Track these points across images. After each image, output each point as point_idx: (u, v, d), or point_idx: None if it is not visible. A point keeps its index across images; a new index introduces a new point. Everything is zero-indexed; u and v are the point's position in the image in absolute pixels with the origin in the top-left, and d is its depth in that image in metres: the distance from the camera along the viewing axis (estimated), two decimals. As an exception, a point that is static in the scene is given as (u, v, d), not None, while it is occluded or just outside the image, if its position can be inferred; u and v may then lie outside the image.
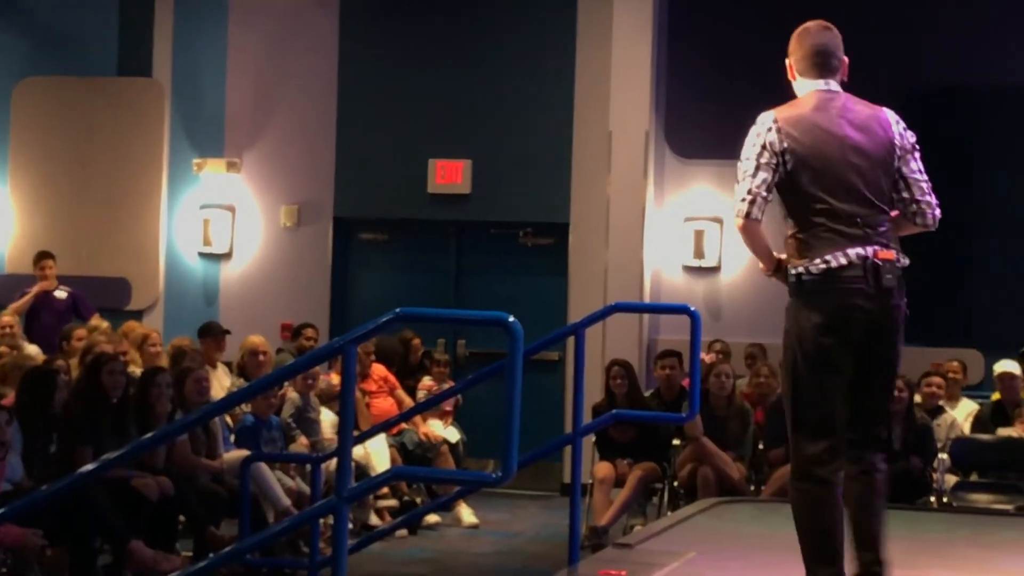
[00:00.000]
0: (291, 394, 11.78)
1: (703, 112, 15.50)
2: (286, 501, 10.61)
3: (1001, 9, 14.82)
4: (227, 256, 16.36)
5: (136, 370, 11.34)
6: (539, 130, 15.66)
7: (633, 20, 15.35)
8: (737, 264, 15.43)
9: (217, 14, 16.37)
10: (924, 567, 7.95)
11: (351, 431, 6.07)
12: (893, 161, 6.17)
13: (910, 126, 16.40)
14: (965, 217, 15.05)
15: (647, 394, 12.86)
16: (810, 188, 5.99)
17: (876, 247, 5.96)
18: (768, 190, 5.99)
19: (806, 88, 6.36)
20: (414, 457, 12.79)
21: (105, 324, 13.22)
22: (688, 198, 15.64)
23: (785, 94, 16.05)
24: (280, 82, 16.29)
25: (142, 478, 9.66)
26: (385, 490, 12.30)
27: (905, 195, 6.17)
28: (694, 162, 15.62)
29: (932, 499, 11.78)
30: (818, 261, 5.92)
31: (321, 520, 8.41)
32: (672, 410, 12.11)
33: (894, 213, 6.14)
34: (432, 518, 12.36)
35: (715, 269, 15.54)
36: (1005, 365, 12.60)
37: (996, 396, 12.62)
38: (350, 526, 8.36)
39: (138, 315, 15.60)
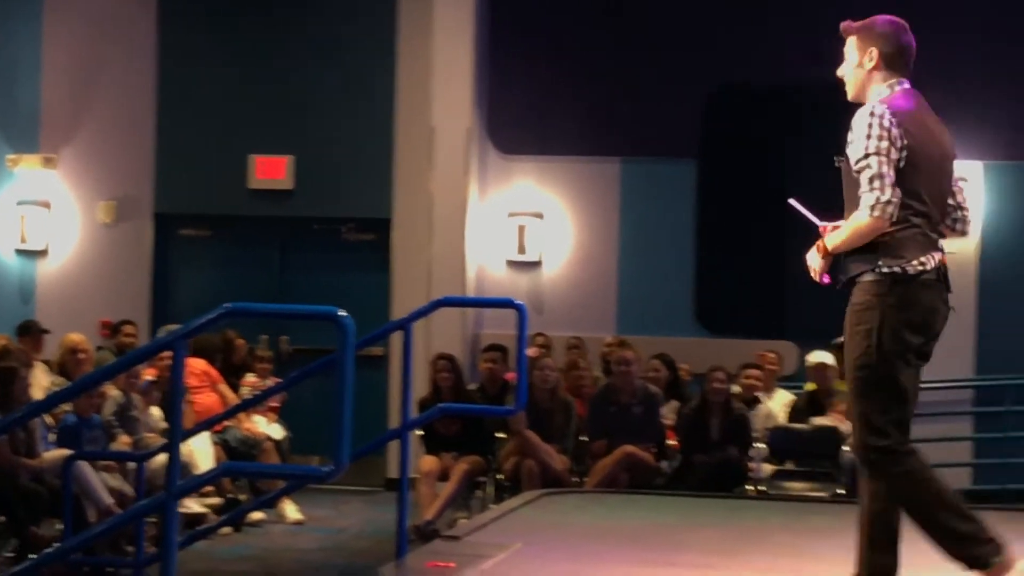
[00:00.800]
0: (112, 392, 11.62)
1: (526, 109, 15.64)
2: (109, 500, 10.47)
3: (814, 11, 15.09)
4: (43, 253, 16.14)
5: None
6: (361, 126, 15.70)
7: (454, 18, 15.43)
8: (558, 259, 15.65)
9: (30, 11, 16.15)
10: (742, 554, 8.10)
11: (180, 427, 6.03)
12: (954, 170, 6.21)
13: (719, 122, 16.69)
14: (775, 211, 15.25)
15: (472, 388, 12.91)
16: (915, 187, 5.94)
17: (942, 252, 6.02)
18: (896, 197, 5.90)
19: (890, 82, 6.16)
20: (238, 454, 12.68)
21: None
22: (511, 194, 15.74)
23: (608, 93, 16.16)
24: (97, 78, 16.10)
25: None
26: (209, 488, 12.25)
27: (952, 203, 6.19)
28: (517, 158, 15.72)
29: (749, 487, 11.97)
30: (916, 263, 5.90)
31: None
32: (496, 403, 12.24)
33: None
34: (256, 515, 12.28)
35: (537, 264, 15.65)
36: (819, 356, 12.78)
37: (810, 386, 12.83)
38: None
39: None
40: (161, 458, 9.29)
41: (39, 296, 15.98)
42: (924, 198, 5.96)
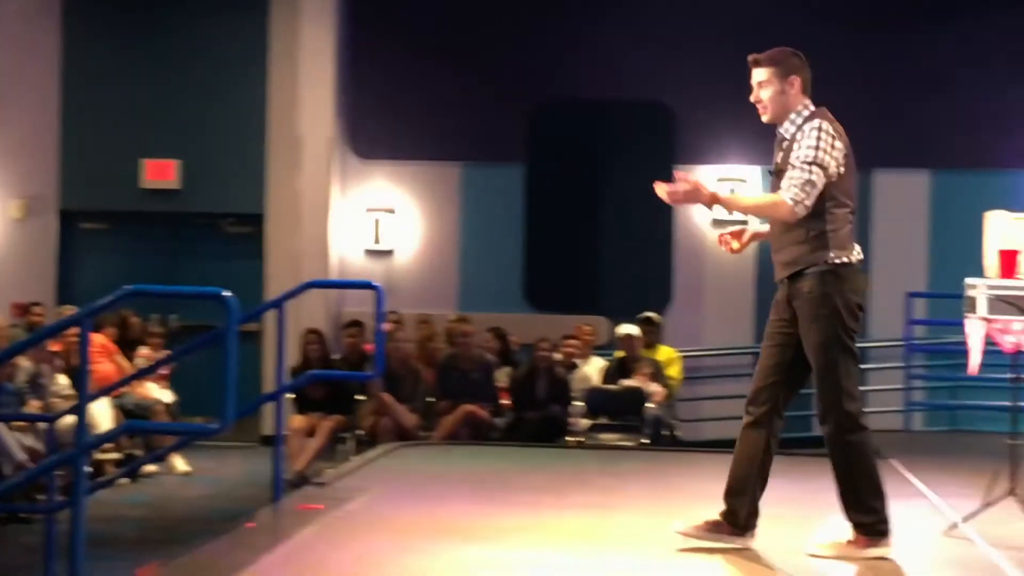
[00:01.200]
0: (24, 363, 11.51)
1: (380, 120, 15.58)
2: (22, 456, 10.40)
3: (614, 32, 15.23)
4: (-39, 245, 15.87)
5: None
6: (238, 134, 15.54)
7: (317, 41, 15.36)
8: (408, 248, 15.66)
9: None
10: (565, 493, 8.27)
11: (88, 390, 6.07)
12: None
13: (543, 132, 16.76)
14: (591, 208, 15.53)
15: (336, 357, 12.91)
16: (849, 189, 6.01)
17: None
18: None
19: (805, 102, 6.15)
20: (134, 416, 12.49)
21: None
22: (368, 192, 15.70)
23: (451, 106, 16.13)
24: (7, 90, 15.70)
25: None
26: (109, 444, 12.19)
27: None
28: (372, 162, 15.68)
29: (570, 438, 12.00)
30: (855, 253, 6.03)
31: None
32: (357, 371, 12.23)
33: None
34: (150, 468, 12.18)
35: (390, 252, 15.62)
36: (626, 328, 12.87)
37: (619, 354, 12.85)
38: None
39: None
40: (68, 419, 9.23)
41: None
42: (853, 197, 6.05)
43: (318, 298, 14.52)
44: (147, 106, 15.66)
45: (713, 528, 6.39)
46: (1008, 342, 6.85)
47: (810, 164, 5.85)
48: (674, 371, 13.19)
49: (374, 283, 8.41)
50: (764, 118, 6.24)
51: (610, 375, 12.70)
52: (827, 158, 5.88)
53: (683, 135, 15.13)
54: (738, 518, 6.36)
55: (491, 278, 15.53)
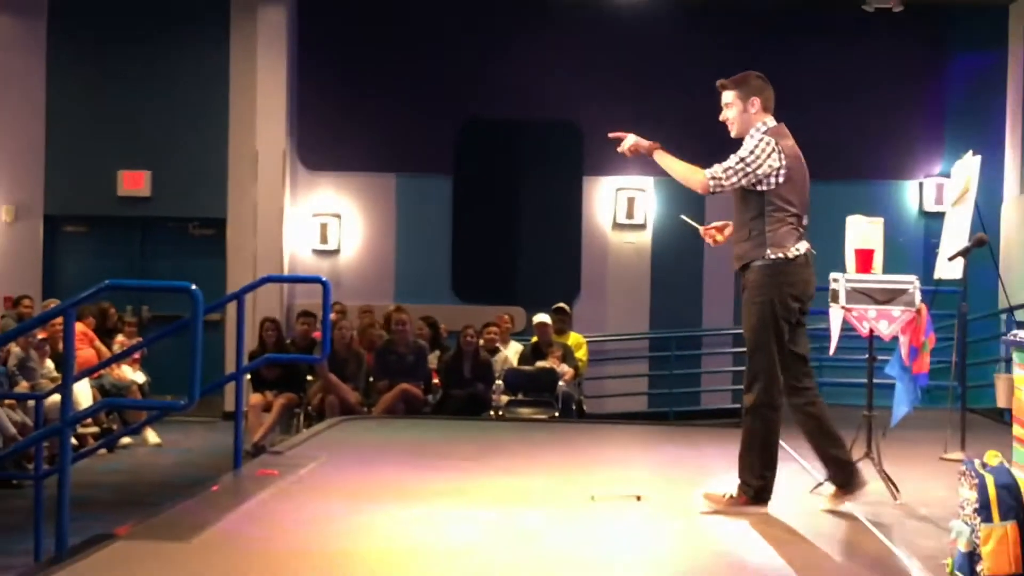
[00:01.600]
0: (14, 349, 11.40)
1: (325, 138, 15.57)
2: (12, 430, 10.32)
3: (530, 60, 15.30)
4: (-44, 245, 15.68)
5: None
6: (203, 148, 15.44)
7: (271, 68, 15.31)
8: (351, 248, 15.65)
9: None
10: (488, 459, 8.32)
11: (72, 372, 6.05)
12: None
13: (467, 146, 16.73)
14: (512, 213, 15.58)
15: (288, 343, 12.84)
16: (789, 196, 6.06)
17: (808, 242, 6.17)
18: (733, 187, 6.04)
19: (765, 120, 6.21)
20: (111, 395, 12.47)
21: None
22: (315, 199, 15.66)
23: (387, 125, 16.05)
24: (-2, 110, 15.66)
25: None
26: (89, 420, 12.09)
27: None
28: (319, 173, 15.65)
29: (492, 412, 12.01)
30: (794, 250, 6.03)
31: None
32: (307, 354, 12.23)
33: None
34: (125, 440, 12.12)
35: (336, 251, 15.61)
36: (540, 317, 12.89)
37: (534, 339, 12.85)
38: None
39: None
40: (54, 397, 9.14)
41: None
42: (795, 204, 6.08)
43: (273, 291, 14.53)
44: (122, 124, 15.52)
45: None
46: (864, 327, 6.97)
47: (740, 159, 6.02)
48: (581, 354, 13.24)
49: (322, 278, 8.37)
50: (732, 134, 6.31)
51: (526, 357, 12.72)
52: (758, 161, 6.01)
53: (589, 150, 15.18)
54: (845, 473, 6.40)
55: (423, 274, 15.55)
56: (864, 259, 7.11)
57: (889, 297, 6.78)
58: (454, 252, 15.59)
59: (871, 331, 6.95)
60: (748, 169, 6.03)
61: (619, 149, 6.41)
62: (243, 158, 15.40)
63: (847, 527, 6.13)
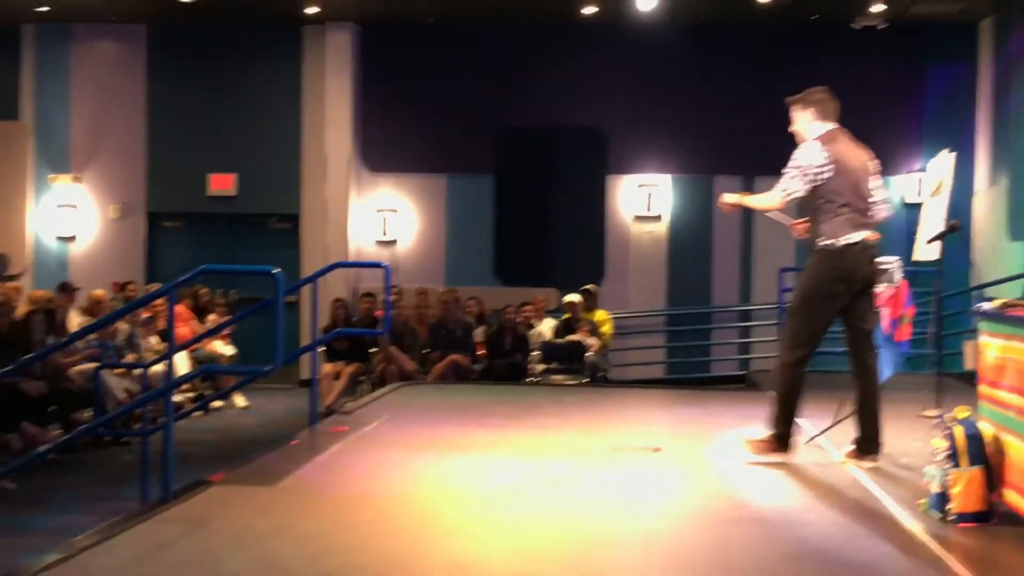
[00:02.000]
0: (122, 326, 11.51)
1: (385, 143, 15.55)
2: (121, 395, 10.45)
3: (560, 74, 15.31)
4: (73, 239, 15.79)
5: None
6: (280, 154, 15.49)
7: (338, 82, 15.31)
8: (408, 238, 15.62)
9: (62, 75, 15.71)
10: (526, 418, 8.36)
11: (174, 344, 6.13)
12: (870, 177, 6.26)
13: (508, 158, 16.66)
14: (546, 207, 15.58)
15: (354, 320, 12.94)
16: (838, 189, 5.99)
17: (869, 231, 6.08)
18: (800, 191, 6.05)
19: (823, 126, 6.22)
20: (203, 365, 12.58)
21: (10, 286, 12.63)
22: (377, 197, 15.64)
23: (437, 131, 15.96)
24: (107, 121, 15.69)
25: (27, 382, 9.45)
26: (187, 386, 12.22)
27: (871, 199, 6.19)
28: (380, 174, 15.63)
29: (529, 379, 12.11)
30: (844, 239, 5.96)
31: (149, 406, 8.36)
32: (370, 329, 12.33)
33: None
34: (217, 404, 12.18)
35: (394, 242, 15.59)
36: (571, 296, 12.95)
37: (566, 316, 12.88)
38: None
39: (12, 278, 14.86)
40: (158, 367, 9.29)
41: (71, 266, 15.56)
42: (844, 194, 5.98)
43: (341, 276, 14.54)
44: (211, 133, 15.62)
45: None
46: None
47: (790, 168, 6.07)
48: (607, 328, 13.26)
49: (383, 264, 8.40)
50: (799, 140, 6.28)
51: (559, 332, 12.75)
52: (805, 164, 6.02)
53: (612, 152, 15.16)
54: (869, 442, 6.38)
55: (469, 260, 15.52)
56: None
57: (873, 275, 6.77)
58: (496, 241, 15.55)
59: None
60: (799, 173, 6.03)
61: (724, 210, 6.55)
62: (314, 162, 15.45)
63: (838, 474, 6.13)
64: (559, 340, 12.53)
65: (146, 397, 7.89)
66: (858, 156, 6.22)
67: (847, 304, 6.10)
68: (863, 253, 6.07)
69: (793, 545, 4.61)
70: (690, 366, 15.08)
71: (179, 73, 15.74)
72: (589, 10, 14.55)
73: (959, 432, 5.07)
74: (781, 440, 6.23)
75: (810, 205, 6.14)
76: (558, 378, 12.06)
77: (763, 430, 6.32)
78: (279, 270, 5.99)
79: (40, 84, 15.78)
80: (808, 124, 6.24)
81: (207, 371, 8.58)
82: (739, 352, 15.21)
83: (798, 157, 6.10)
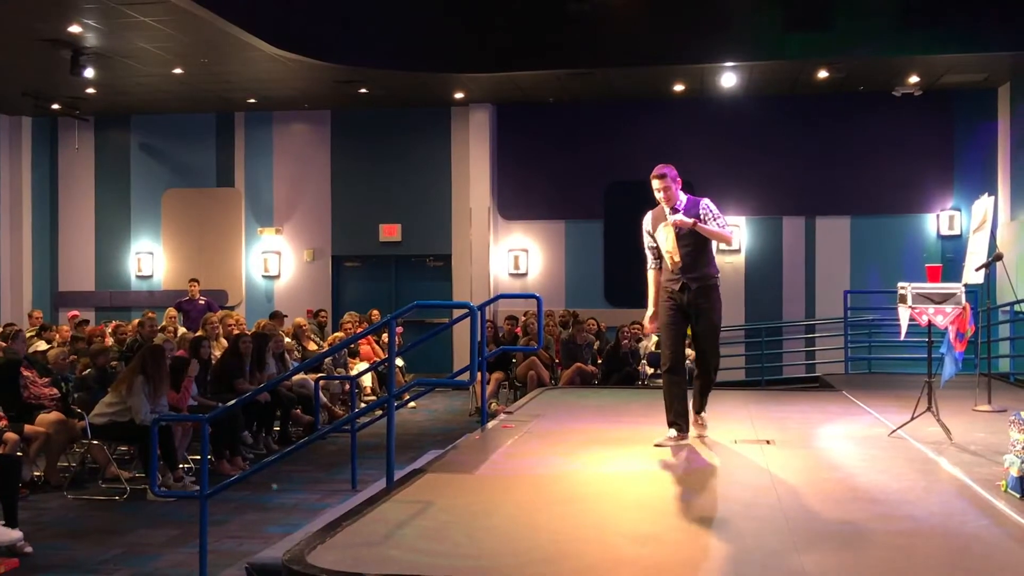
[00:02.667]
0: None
1: (516, 196, 15.66)
2: (324, 400, 10.55)
3: (655, 135, 15.28)
4: (277, 277, 16.12)
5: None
6: (435, 207, 15.65)
7: (479, 147, 15.43)
8: (535, 271, 15.67)
9: (266, 151, 16.11)
10: (653, 415, 8.00)
11: (394, 360, 6.05)
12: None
13: (613, 206, 16.51)
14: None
15: (501, 336, 12.91)
16: None
17: None
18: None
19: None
20: (382, 376, 12.44)
21: (236, 315, 12.91)
22: (510, 239, 15.71)
23: (557, 185, 15.92)
24: (300, 185, 16.04)
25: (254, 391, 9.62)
26: (369, 393, 12.37)
27: None
28: (512, 221, 15.71)
29: (640, 382, 11.98)
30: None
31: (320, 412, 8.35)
32: (511, 345, 12.23)
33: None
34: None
35: (525, 274, 15.67)
36: None
37: None
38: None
39: (232, 308, 15.36)
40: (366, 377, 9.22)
41: (276, 299, 15.93)
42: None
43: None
44: (381, 192, 15.81)
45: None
46: (923, 320, 6.86)
47: (724, 219, 6.24)
48: (699, 341, 13.15)
49: (537, 295, 8.23)
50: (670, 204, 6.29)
51: (660, 345, 12.62)
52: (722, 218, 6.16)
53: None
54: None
55: (585, 287, 15.51)
56: (933, 273, 7.00)
57: (944, 298, 6.65)
58: (605, 272, 15.52)
59: (929, 322, 6.83)
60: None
61: (672, 223, 6.34)
62: (461, 212, 15.59)
63: (923, 459, 6.01)
64: (660, 350, 12.36)
65: (380, 401, 7.68)
66: None
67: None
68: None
69: (906, 522, 4.51)
70: (766, 370, 14.85)
71: (356, 146, 16.01)
72: (679, 87, 14.53)
73: (1034, 427, 4.96)
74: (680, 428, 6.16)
75: (705, 246, 6.12)
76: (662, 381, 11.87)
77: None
78: (476, 305, 5.99)
79: (249, 158, 16.20)
80: (677, 191, 6.31)
81: (422, 383, 8.46)
82: (805, 358, 14.94)
83: (717, 211, 6.18)
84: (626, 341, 12.29)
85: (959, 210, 14.62)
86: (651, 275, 6.44)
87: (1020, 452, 4.98)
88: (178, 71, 13.14)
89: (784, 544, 4.10)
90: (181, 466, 8.10)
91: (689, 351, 6.85)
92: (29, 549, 6.07)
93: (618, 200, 15.48)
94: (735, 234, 6.32)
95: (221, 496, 6.51)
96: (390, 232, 15.77)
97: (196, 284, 14.36)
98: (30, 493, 7.73)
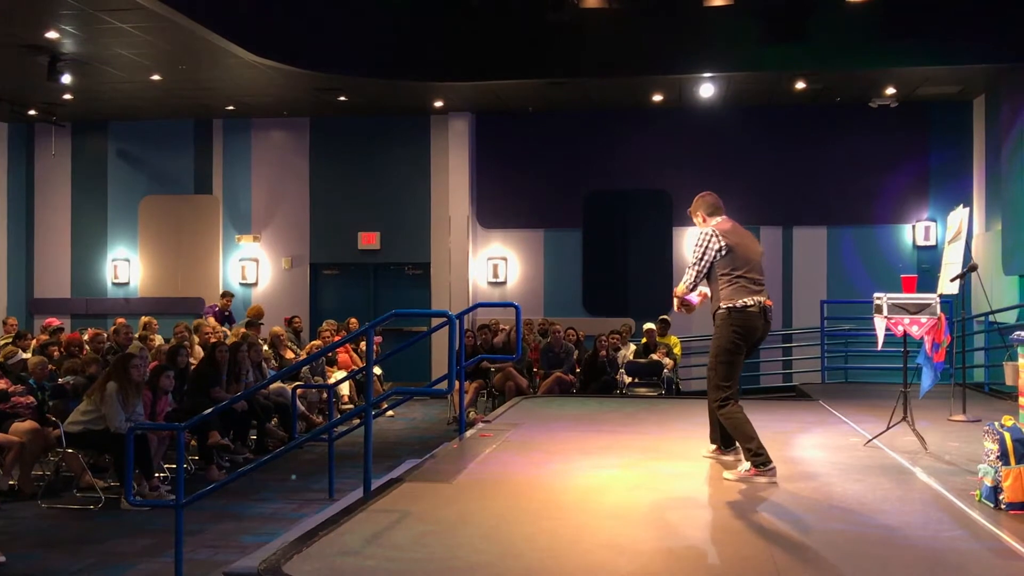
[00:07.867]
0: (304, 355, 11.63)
1: (495, 205, 15.68)
2: (300, 409, 10.48)
3: (634, 146, 15.36)
4: (255, 284, 16.05)
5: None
6: (414, 215, 15.62)
7: (458, 157, 15.42)
8: (513, 280, 15.68)
9: (244, 158, 16.04)
10: (632, 425, 8.27)
11: (372, 369, 6.07)
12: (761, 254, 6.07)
13: (592, 215, 16.58)
14: (622, 253, 15.58)
15: (478, 344, 12.87)
16: (733, 263, 5.78)
17: (764, 296, 5.83)
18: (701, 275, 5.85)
19: (712, 219, 6.02)
20: (359, 384, 12.56)
21: (213, 322, 12.84)
22: (489, 248, 15.74)
23: (536, 195, 15.96)
24: (279, 193, 15.98)
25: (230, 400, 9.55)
26: (347, 402, 12.33)
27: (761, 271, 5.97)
28: (491, 230, 15.73)
29: (618, 391, 12.06)
30: (740, 302, 5.74)
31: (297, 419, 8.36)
32: (487, 354, 12.16)
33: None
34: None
35: (503, 283, 15.67)
36: (648, 325, 12.92)
37: (644, 340, 12.85)
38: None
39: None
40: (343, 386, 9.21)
41: (254, 302, 15.67)
42: (739, 267, 5.79)
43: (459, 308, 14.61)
44: (360, 200, 15.74)
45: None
46: (899, 330, 6.91)
47: (692, 265, 5.87)
48: (678, 350, 13.21)
49: (515, 304, 8.25)
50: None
51: (639, 353, 12.71)
52: (700, 253, 5.83)
53: (677, 209, 15.10)
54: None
55: (563, 295, 15.53)
56: (909, 283, 7.05)
57: (919, 309, 6.71)
58: (584, 281, 15.54)
59: (904, 332, 6.88)
60: (704, 260, 5.83)
61: (678, 307, 6.17)
62: (440, 220, 15.57)
63: (898, 469, 6.05)
64: (640, 360, 12.47)
65: (357, 410, 7.73)
66: (750, 238, 6.04)
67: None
68: (760, 314, 5.82)
69: (879, 529, 4.55)
70: (743, 379, 14.85)
71: (334, 154, 15.98)
72: (657, 98, 14.59)
73: (1007, 436, 5.01)
74: (763, 462, 5.69)
75: (713, 278, 5.91)
76: (641, 391, 11.98)
77: (743, 462, 5.80)
78: (454, 314, 5.99)
79: (227, 165, 16.13)
80: (702, 221, 6.07)
81: (399, 392, 8.43)
82: (783, 368, 14.99)
83: (694, 248, 5.91)
84: (603, 351, 12.32)
85: (935, 221, 14.76)
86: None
87: (994, 462, 5.03)
88: (156, 77, 13.07)
89: (760, 553, 4.11)
90: (157, 475, 8.04)
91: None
92: (2, 558, 6.00)
93: (597, 209, 15.52)
94: (690, 275, 6.03)
95: (197, 505, 6.44)
96: (369, 240, 15.73)
97: (231, 297, 14.60)
98: (4, 502, 7.66)
